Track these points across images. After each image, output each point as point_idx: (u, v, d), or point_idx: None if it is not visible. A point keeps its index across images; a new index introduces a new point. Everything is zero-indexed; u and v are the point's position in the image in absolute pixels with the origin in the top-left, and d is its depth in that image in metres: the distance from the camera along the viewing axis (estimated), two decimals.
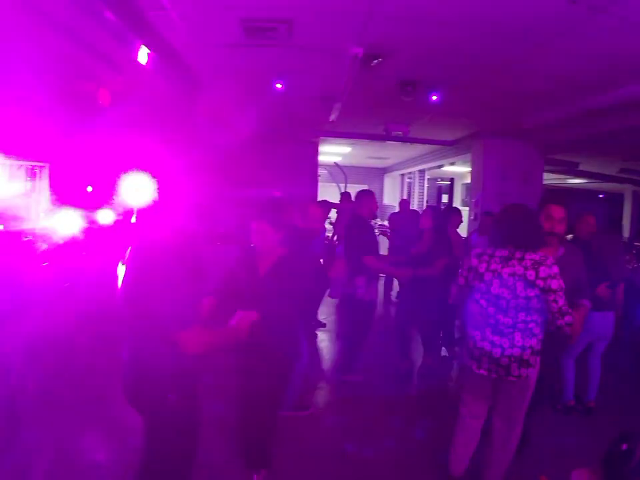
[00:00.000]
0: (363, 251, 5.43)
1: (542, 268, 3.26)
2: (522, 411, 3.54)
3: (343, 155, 14.72)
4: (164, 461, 2.72)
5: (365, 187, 18.39)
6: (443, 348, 6.66)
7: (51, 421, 4.66)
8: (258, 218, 3.38)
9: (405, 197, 15.50)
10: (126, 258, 2.70)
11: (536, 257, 3.30)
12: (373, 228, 6.11)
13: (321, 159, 13.31)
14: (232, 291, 3.43)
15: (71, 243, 7.26)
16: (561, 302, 3.25)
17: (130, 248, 2.70)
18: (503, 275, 3.36)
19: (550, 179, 13.71)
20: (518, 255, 3.35)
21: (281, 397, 3.66)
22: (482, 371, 3.48)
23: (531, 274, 3.27)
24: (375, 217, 6.62)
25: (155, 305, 2.45)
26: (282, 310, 3.32)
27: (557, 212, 3.72)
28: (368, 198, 5.79)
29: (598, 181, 14.98)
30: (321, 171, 14.00)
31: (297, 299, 3.40)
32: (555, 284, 3.24)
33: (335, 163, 12.80)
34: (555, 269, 3.25)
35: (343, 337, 6.41)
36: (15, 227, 6.10)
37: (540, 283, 3.26)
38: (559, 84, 5.99)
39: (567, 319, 3.27)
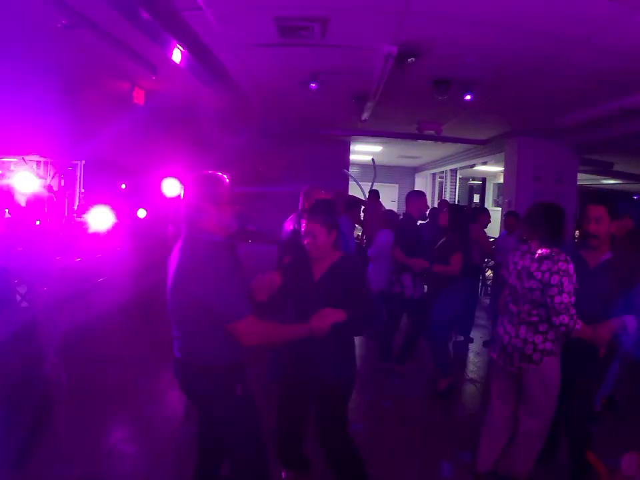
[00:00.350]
0: (410, 250, 5.58)
1: (546, 262, 3.35)
2: (540, 406, 3.54)
3: (374, 154, 14.67)
4: (246, 455, 2.78)
5: (396, 187, 18.43)
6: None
7: (82, 411, 4.76)
8: (309, 220, 3.18)
9: (443, 197, 15.32)
10: (171, 254, 2.71)
11: (546, 251, 3.38)
12: (419, 228, 6.21)
13: (353, 157, 13.30)
14: (280, 295, 3.25)
15: (105, 239, 7.38)
16: (558, 299, 3.26)
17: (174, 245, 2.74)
18: (517, 267, 3.55)
19: (584, 179, 13.47)
20: (533, 248, 3.48)
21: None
22: (498, 359, 3.66)
23: (534, 266, 3.41)
24: (424, 218, 6.64)
25: (209, 297, 2.46)
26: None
27: (593, 211, 3.55)
28: (417, 198, 5.89)
29: (633, 181, 14.67)
30: (352, 170, 13.99)
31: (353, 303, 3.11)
32: (554, 279, 3.28)
33: (372, 159, 12.83)
34: (562, 266, 3.29)
35: (377, 335, 6.35)
36: (51, 223, 6.23)
37: (538, 275, 3.36)
38: (594, 82, 5.88)
39: (562, 318, 3.28)
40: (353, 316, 2.88)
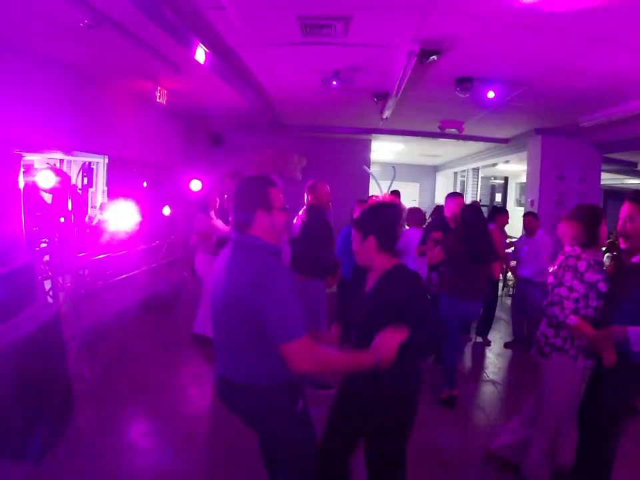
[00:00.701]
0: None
1: (560, 257, 3.48)
2: (545, 404, 3.59)
3: (395, 153, 14.61)
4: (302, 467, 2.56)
5: (417, 185, 18.35)
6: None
7: (104, 406, 4.83)
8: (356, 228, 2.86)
9: (474, 198, 15.19)
10: (218, 261, 2.55)
11: (569, 249, 3.47)
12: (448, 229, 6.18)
13: (373, 156, 13.26)
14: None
15: (128, 236, 7.46)
16: (556, 291, 3.35)
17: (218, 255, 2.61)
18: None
19: (607, 178, 13.28)
20: (566, 247, 3.55)
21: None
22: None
23: (556, 263, 3.49)
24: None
25: (268, 311, 2.25)
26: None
27: (626, 209, 3.37)
28: (450, 200, 5.93)
29: None
30: (373, 169, 13.94)
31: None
32: (560, 272, 3.38)
33: (392, 166, 12.81)
34: (570, 261, 3.36)
35: None
36: (75, 219, 6.31)
37: (554, 269, 3.47)
38: (618, 81, 5.79)
39: (554, 309, 3.33)
40: (415, 334, 2.48)
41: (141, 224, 7.98)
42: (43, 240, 5.22)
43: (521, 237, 7.82)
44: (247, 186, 2.50)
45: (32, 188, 5.15)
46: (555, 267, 3.47)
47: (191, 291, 8.75)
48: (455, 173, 17.60)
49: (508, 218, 7.47)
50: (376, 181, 12.00)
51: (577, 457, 3.54)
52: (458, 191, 16.87)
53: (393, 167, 11.45)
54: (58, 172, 5.18)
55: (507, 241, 8.05)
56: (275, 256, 2.42)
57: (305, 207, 5.47)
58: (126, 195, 8.60)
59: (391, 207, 2.92)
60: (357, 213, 5.29)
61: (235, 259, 2.42)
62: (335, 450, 2.93)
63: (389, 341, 2.39)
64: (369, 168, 12.83)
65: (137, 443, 4.36)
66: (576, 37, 4.54)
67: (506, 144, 11.31)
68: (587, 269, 3.31)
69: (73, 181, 7.47)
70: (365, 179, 12.30)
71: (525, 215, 7.47)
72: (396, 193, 10.74)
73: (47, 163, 6.88)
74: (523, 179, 12.93)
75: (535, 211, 8.12)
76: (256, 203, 2.42)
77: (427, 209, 17.92)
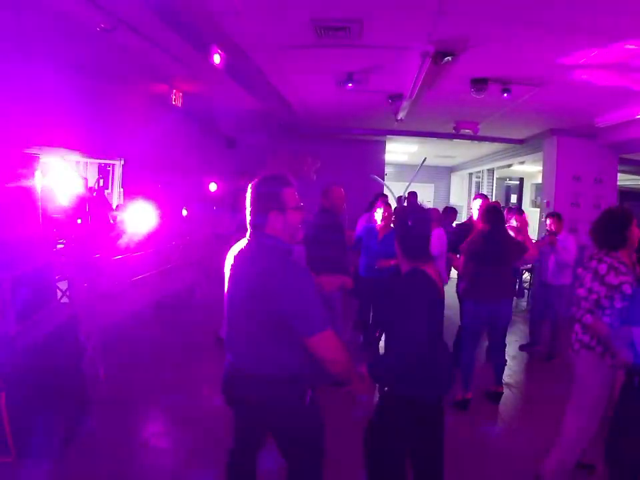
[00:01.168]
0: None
1: (586, 260, 3.59)
2: (573, 401, 3.58)
3: (410, 154, 14.57)
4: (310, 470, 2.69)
5: (432, 186, 18.30)
6: None
7: (118, 406, 4.86)
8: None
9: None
10: (233, 260, 2.61)
11: (595, 254, 3.50)
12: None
13: (388, 157, 13.25)
14: None
15: (144, 238, 7.50)
16: (577, 291, 3.47)
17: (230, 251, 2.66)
18: None
19: (624, 179, 13.15)
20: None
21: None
22: None
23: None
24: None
25: (294, 307, 2.38)
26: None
27: None
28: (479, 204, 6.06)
29: None
30: (387, 170, 13.94)
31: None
32: (582, 273, 3.48)
33: (424, 158, 12.94)
34: (592, 263, 3.42)
35: None
36: (92, 221, 6.35)
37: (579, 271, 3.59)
38: (635, 81, 5.74)
39: (573, 309, 3.54)
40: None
41: (157, 225, 8.03)
42: (60, 241, 5.27)
43: (543, 238, 7.46)
44: (261, 186, 2.53)
45: (49, 189, 5.21)
46: (580, 269, 3.56)
47: (206, 294, 8.79)
48: (470, 174, 17.51)
49: (526, 218, 7.26)
50: (388, 188, 12.00)
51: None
52: (472, 191, 16.85)
53: (424, 158, 11.45)
54: (77, 174, 5.24)
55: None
56: (287, 254, 2.52)
57: (317, 211, 5.51)
58: (143, 196, 8.68)
59: (413, 217, 3.00)
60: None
61: (253, 259, 2.51)
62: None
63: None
64: (384, 173, 12.88)
65: (151, 444, 4.38)
66: (597, 33, 4.49)
67: (521, 145, 11.24)
68: (608, 272, 3.31)
69: (90, 183, 7.54)
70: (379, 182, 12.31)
71: (549, 216, 7.04)
72: (413, 194, 10.81)
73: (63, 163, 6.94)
74: (539, 180, 12.83)
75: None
76: (270, 203, 2.48)
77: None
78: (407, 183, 12.08)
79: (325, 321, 2.40)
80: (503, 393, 5.49)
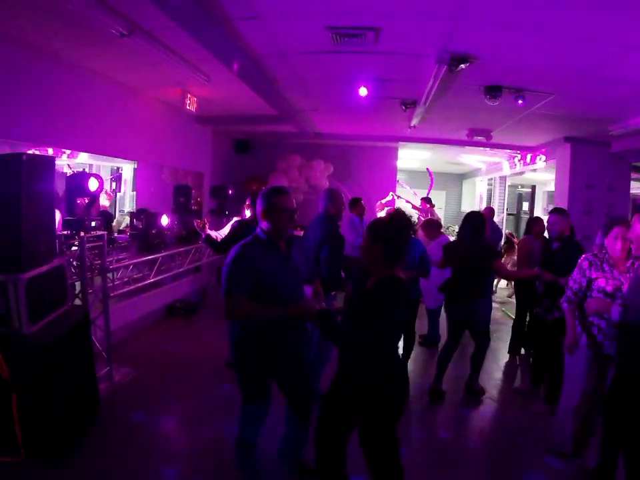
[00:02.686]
0: None
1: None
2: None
3: (422, 161, 14.55)
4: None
5: (443, 193, 18.26)
6: None
7: (130, 408, 4.88)
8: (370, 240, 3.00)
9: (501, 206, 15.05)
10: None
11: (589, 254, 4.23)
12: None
13: (400, 164, 13.24)
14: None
15: (157, 240, 7.55)
16: (570, 284, 4.23)
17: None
18: None
19: (637, 187, 13.05)
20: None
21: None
22: None
23: None
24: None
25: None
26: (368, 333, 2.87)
27: None
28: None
29: None
30: (399, 176, 13.93)
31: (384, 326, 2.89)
32: (575, 271, 4.21)
33: (427, 168, 12.94)
34: (579, 260, 4.19)
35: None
36: (105, 224, 6.39)
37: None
38: None
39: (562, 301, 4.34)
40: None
41: (170, 229, 8.08)
42: (74, 242, 5.31)
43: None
44: (261, 193, 3.42)
45: (65, 191, 5.25)
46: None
47: (217, 295, 8.81)
48: (482, 181, 17.45)
49: (543, 226, 7.22)
50: (411, 189, 12.00)
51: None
52: (484, 199, 16.79)
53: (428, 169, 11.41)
54: (95, 176, 5.29)
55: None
56: (262, 244, 3.34)
57: (320, 216, 5.37)
58: (154, 200, 8.75)
59: (400, 223, 3.05)
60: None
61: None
62: (330, 439, 3.16)
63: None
64: (396, 178, 12.88)
65: (161, 445, 4.40)
66: (611, 41, 4.47)
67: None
68: (590, 267, 4.05)
69: (105, 188, 7.61)
70: (391, 186, 12.29)
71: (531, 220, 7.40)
72: (427, 200, 10.81)
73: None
74: (551, 188, 12.75)
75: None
76: (262, 207, 3.35)
77: (453, 217, 17.85)
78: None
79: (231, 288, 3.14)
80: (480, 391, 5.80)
